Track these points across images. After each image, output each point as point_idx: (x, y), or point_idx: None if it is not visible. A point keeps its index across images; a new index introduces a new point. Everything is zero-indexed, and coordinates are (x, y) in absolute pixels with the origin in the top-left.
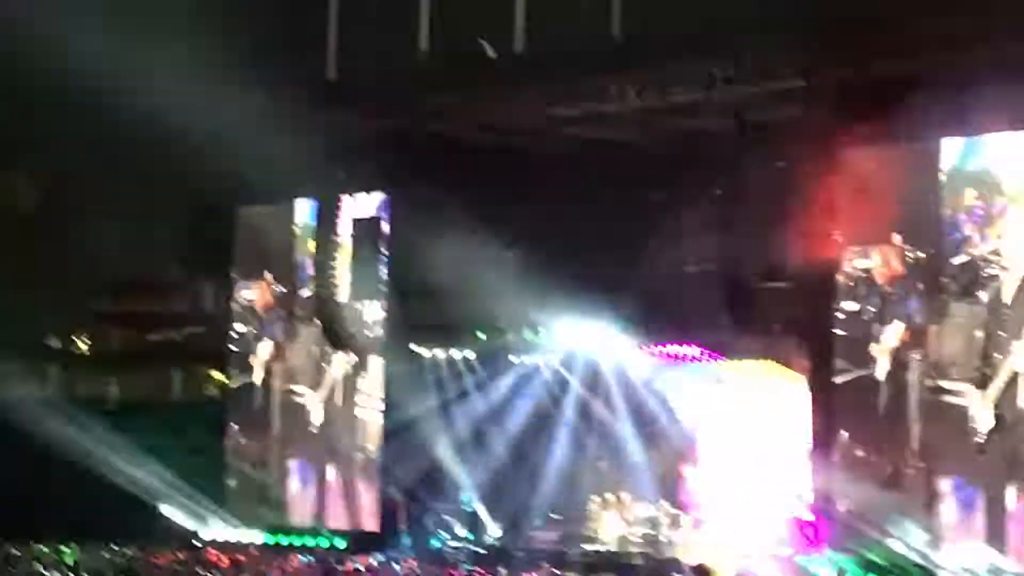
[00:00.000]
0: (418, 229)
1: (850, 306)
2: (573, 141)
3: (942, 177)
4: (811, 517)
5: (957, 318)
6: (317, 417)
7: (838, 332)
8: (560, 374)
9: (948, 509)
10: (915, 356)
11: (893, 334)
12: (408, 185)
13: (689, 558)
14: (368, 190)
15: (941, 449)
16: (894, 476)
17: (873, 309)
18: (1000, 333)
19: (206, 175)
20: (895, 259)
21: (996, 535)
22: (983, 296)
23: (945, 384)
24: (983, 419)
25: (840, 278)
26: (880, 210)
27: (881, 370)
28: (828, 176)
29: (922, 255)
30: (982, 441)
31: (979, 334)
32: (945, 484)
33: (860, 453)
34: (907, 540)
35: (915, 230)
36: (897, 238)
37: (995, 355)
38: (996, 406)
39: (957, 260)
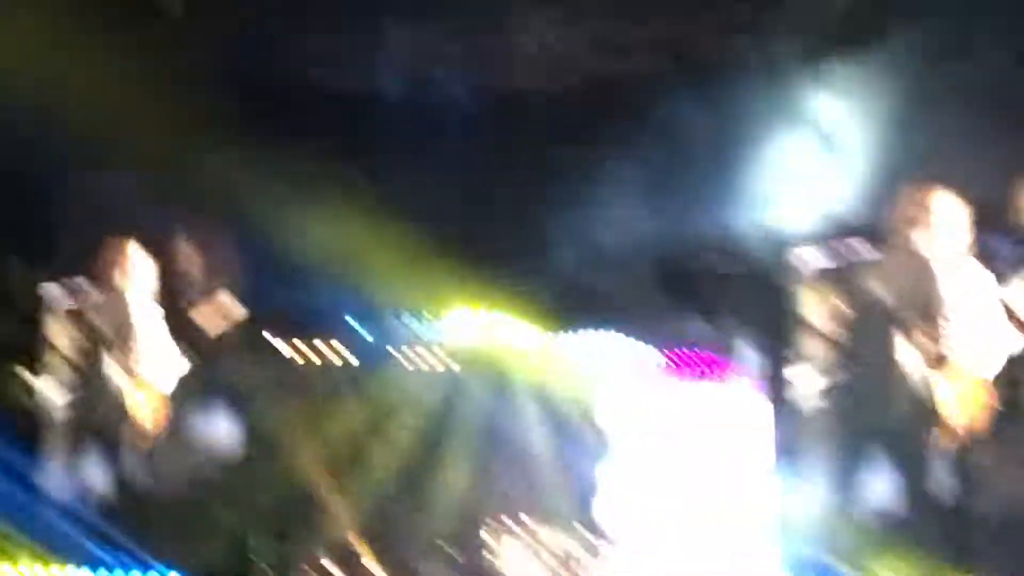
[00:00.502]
0: (276, 193)
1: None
2: (471, 88)
3: None
4: (764, 548)
5: None
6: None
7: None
8: (452, 373)
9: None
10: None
11: None
12: (263, 138)
13: None
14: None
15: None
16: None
17: None
18: None
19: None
20: None
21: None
22: None
23: None
24: None
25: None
26: None
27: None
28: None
29: None
30: None
31: None
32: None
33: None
34: None
35: None
36: None
37: None
38: None
39: None
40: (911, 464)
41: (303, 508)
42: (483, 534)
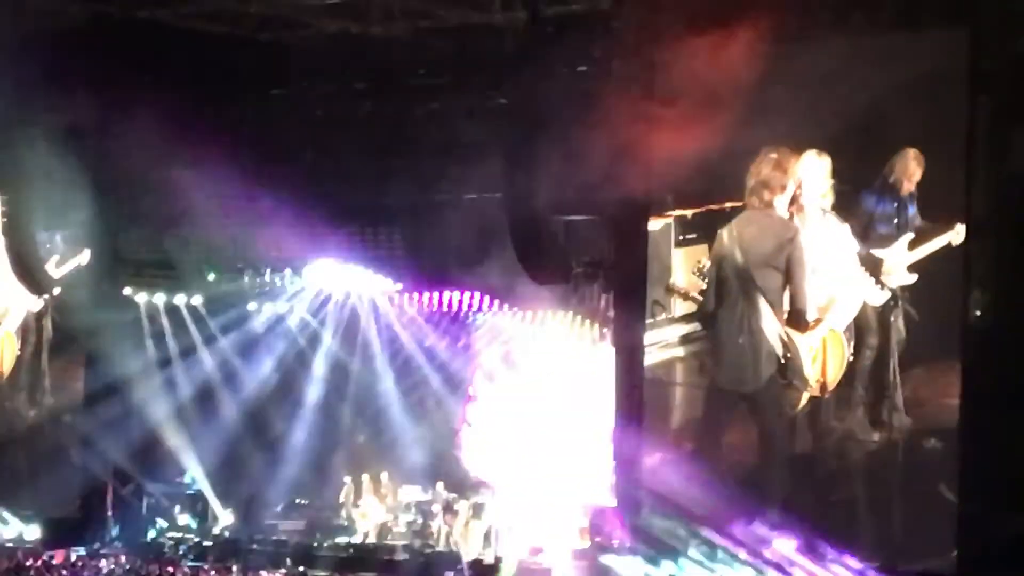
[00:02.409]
0: (132, 142)
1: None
2: (324, 37)
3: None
4: (613, 504)
5: None
6: None
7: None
8: (309, 327)
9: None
10: None
11: None
12: (117, 86)
13: (466, 551)
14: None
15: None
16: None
17: None
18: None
19: None
20: None
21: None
22: None
23: None
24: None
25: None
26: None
27: None
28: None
29: None
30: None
31: None
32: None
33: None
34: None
35: None
36: None
37: None
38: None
39: None
40: (767, 417)
41: (153, 453)
42: (341, 490)
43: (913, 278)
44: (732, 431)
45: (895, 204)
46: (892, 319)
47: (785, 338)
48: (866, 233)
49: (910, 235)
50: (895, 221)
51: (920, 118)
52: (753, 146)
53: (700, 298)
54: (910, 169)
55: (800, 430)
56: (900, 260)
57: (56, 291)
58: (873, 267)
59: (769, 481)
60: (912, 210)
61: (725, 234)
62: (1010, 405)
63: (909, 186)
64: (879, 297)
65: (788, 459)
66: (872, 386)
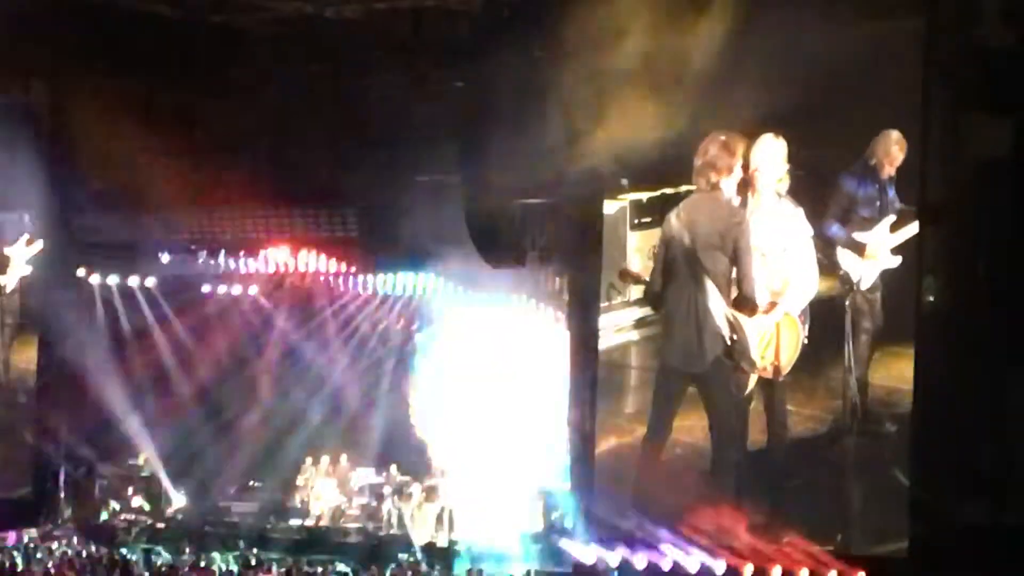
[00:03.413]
0: (86, 125)
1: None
2: (279, 19)
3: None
4: (567, 487)
5: None
6: None
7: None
8: (262, 307)
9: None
10: None
11: None
12: (71, 69)
13: (419, 535)
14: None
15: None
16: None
17: None
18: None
19: None
20: None
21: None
22: None
23: None
24: None
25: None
26: None
27: None
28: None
29: None
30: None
31: None
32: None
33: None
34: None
35: None
36: None
37: None
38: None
39: None
40: (715, 398)
41: (106, 435)
42: (295, 472)
43: (897, 260)
44: (683, 414)
45: (876, 187)
46: (847, 304)
47: (732, 320)
48: (847, 216)
49: (892, 217)
50: (876, 204)
51: (879, 104)
52: (708, 130)
53: (648, 280)
54: (892, 153)
55: (754, 414)
56: (883, 243)
57: (28, 271)
58: (857, 250)
59: (721, 464)
60: (893, 193)
61: (673, 216)
62: (962, 391)
63: (890, 170)
64: (869, 277)
65: (740, 442)
66: (827, 371)
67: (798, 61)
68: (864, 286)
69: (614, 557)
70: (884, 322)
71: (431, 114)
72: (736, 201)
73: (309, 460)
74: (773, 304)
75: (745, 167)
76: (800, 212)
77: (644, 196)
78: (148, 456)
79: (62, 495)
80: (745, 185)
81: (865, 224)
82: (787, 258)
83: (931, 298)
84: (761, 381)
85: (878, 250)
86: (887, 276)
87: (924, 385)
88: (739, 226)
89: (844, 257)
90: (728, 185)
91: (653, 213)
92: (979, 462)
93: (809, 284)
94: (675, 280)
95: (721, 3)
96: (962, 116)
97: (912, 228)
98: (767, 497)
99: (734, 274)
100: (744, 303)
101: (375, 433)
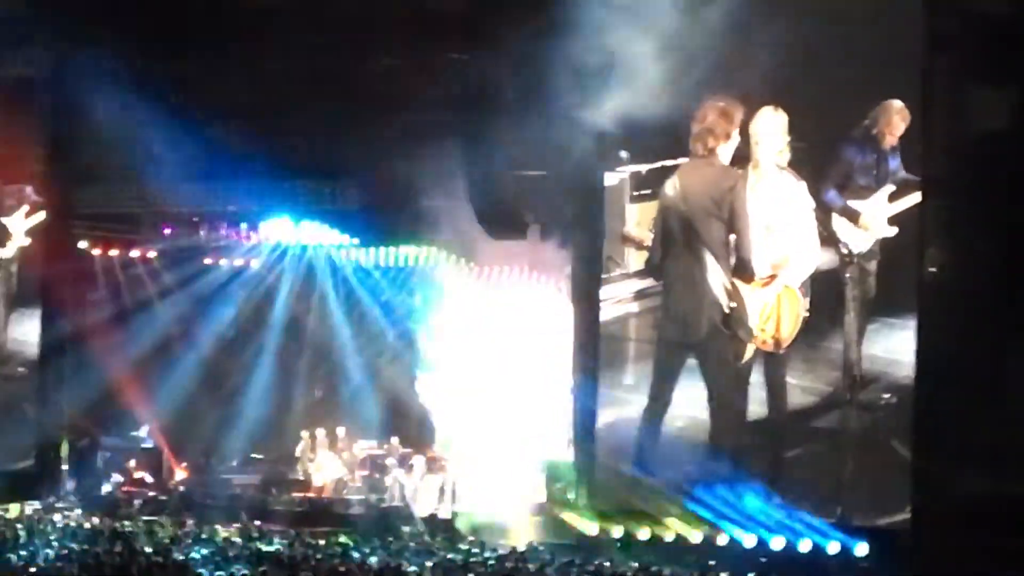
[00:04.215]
0: (86, 97)
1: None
2: None
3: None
4: (569, 459)
5: None
6: None
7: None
8: (265, 280)
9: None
10: None
11: None
12: (74, 41)
13: (421, 507)
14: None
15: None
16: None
17: None
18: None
19: None
20: None
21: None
22: None
23: None
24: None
25: None
26: None
27: None
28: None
29: None
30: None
31: None
32: None
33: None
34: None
35: None
36: None
37: None
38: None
39: None
40: (712, 368)
41: (109, 407)
42: (297, 444)
43: (893, 231)
44: (683, 384)
45: (875, 156)
46: (848, 275)
47: (730, 288)
48: (844, 184)
49: (890, 187)
50: (874, 173)
51: (880, 75)
52: (707, 101)
53: (648, 250)
54: (894, 122)
55: (754, 386)
56: (879, 212)
57: (27, 243)
58: (852, 218)
59: (720, 435)
60: (895, 163)
61: (669, 185)
62: (963, 361)
63: (892, 139)
64: (864, 245)
65: (740, 413)
66: (827, 343)
67: (799, 32)
68: (860, 255)
69: (616, 528)
70: (883, 293)
71: (432, 86)
72: (733, 167)
73: (311, 433)
74: (773, 276)
75: (744, 138)
76: (802, 185)
77: (643, 168)
78: (150, 428)
79: (64, 468)
80: (745, 158)
81: (862, 192)
82: (789, 231)
83: (932, 269)
84: (762, 354)
85: (873, 220)
86: (886, 247)
87: (925, 356)
88: (733, 190)
89: (840, 225)
90: (724, 151)
91: (652, 185)
92: (980, 433)
93: (810, 257)
94: (672, 249)
95: None
96: (964, 86)
97: (911, 199)
98: (768, 467)
99: (732, 240)
100: (743, 269)
101: (377, 405)
